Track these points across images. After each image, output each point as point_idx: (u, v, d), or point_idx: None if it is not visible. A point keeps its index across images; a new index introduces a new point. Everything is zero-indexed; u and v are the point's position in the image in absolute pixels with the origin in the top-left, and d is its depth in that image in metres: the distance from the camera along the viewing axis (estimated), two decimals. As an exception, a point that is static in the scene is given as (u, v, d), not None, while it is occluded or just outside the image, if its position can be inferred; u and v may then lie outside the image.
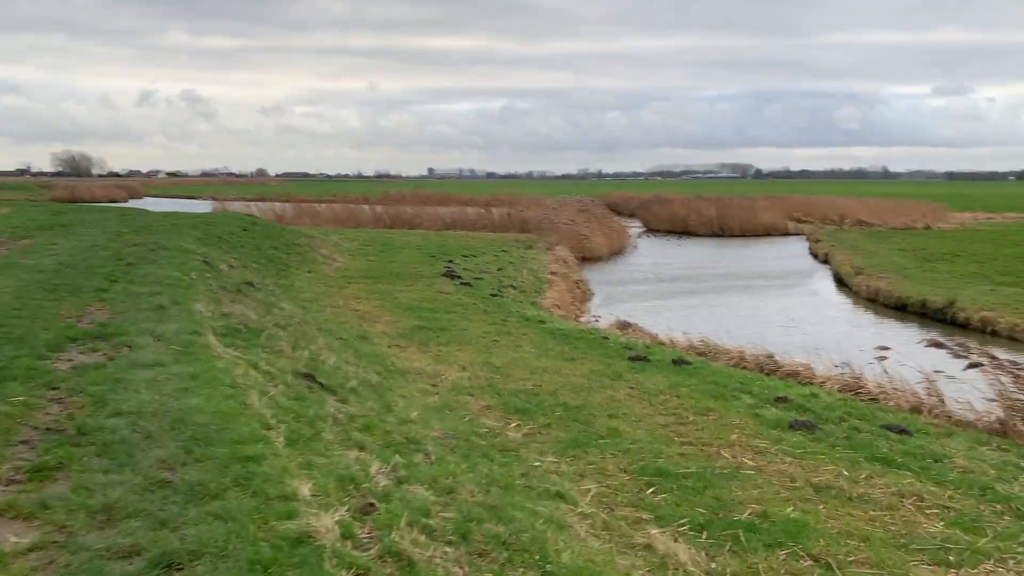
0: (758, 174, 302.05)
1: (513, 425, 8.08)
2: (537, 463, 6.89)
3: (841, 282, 29.99)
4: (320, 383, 6.89)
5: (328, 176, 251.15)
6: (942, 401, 10.58)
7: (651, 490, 6.45)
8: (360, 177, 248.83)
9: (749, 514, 6.05)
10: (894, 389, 11.11)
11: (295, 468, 4.25)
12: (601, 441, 7.66)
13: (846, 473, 7.07)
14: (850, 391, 11.39)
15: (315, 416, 5.53)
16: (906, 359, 11.82)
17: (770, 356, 13.36)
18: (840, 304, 26.59)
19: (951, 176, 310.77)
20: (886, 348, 10.85)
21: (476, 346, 12.25)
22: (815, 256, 39.57)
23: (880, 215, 55.08)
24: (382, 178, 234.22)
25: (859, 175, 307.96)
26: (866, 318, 23.86)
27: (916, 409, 10.60)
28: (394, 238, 32.50)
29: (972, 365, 10.19)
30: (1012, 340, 19.83)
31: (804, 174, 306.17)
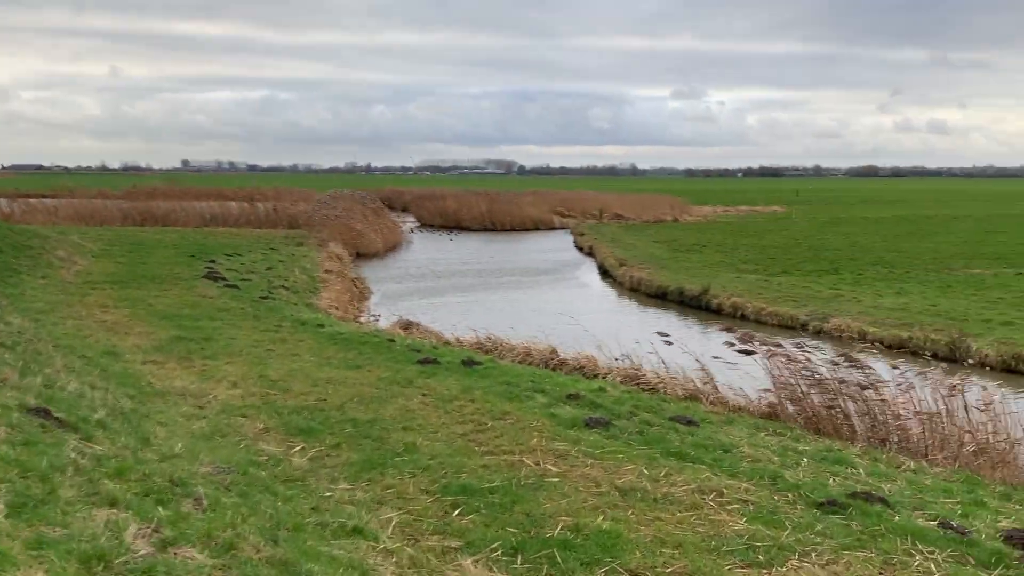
0: (521, 170, 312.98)
1: (297, 449, 7.22)
2: (328, 492, 6.14)
3: (606, 273, 31.37)
4: (57, 418, 5.68)
5: (67, 169, 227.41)
6: (716, 388, 11.02)
7: (457, 512, 5.93)
8: (104, 170, 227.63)
9: (561, 528, 5.70)
10: (672, 378, 11.45)
11: (20, 551, 3.24)
12: (398, 459, 7.03)
13: (647, 472, 6.96)
14: (632, 382, 11.62)
15: (49, 467, 4.43)
16: (683, 348, 12.19)
17: (554, 351, 13.39)
18: (608, 295, 27.74)
19: (689, 173, 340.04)
20: (665, 335, 11.14)
21: (248, 357, 11.12)
22: (580, 249, 41.24)
23: (634, 209, 58.62)
24: (129, 171, 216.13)
25: (611, 172, 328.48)
26: (632, 307, 25.00)
27: (693, 397, 10.97)
28: (145, 237, 29.61)
29: (746, 352, 10.65)
30: (759, 323, 21.54)
31: (563, 171, 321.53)
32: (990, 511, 6.57)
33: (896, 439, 9.10)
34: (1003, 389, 13.61)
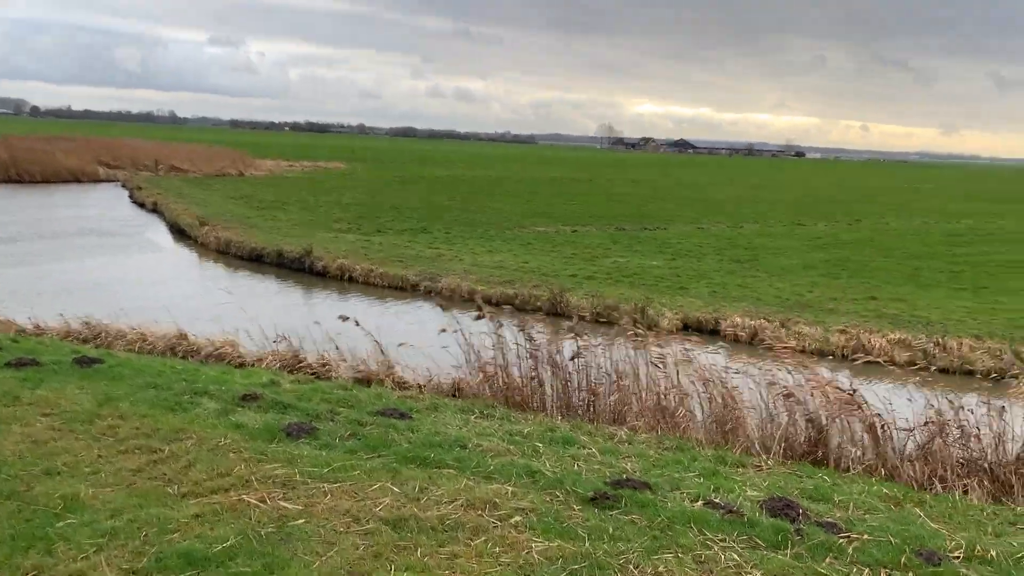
0: (35, 112, 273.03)
1: None
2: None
3: (183, 234, 28.06)
4: None
5: None
6: (391, 367, 10.07)
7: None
8: None
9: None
10: (340, 360, 10.21)
11: None
12: (63, 526, 4.86)
13: (398, 490, 5.79)
14: (293, 369, 10.12)
15: None
16: (344, 325, 10.93)
17: (183, 335, 11.15)
18: (192, 260, 24.76)
19: (235, 124, 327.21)
20: (346, 318, 9.80)
21: None
22: (142, 205, 36.52)
23: (193, 161, 54.11)
24: None
25: (148, 119, 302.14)
26: (229, 274, 22.59)
27: (367, 380, 9.90)
28: None
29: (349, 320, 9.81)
30: (368, 285, 20.98)
31: (88, 114, 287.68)
32: (728, 480, 6.69)
33: (588, 406, 9.09)
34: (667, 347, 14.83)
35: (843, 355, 16.08)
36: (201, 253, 25.32)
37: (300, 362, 10.22)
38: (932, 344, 15.91)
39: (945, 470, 7.40)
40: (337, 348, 10.14)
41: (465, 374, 9.83)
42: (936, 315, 18.05)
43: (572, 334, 9.60)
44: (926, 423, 7.69)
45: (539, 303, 18.86)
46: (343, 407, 7.93)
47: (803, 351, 16.23)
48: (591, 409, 9.11)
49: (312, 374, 9.97)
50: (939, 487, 7.18)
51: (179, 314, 13.36)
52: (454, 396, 9.55)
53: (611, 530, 5.39)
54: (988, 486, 7.19)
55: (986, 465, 7.48)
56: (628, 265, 22.83)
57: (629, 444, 7.69)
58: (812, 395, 8.26)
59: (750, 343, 16.81)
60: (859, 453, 7.86)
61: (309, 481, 5.86)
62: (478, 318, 9.65)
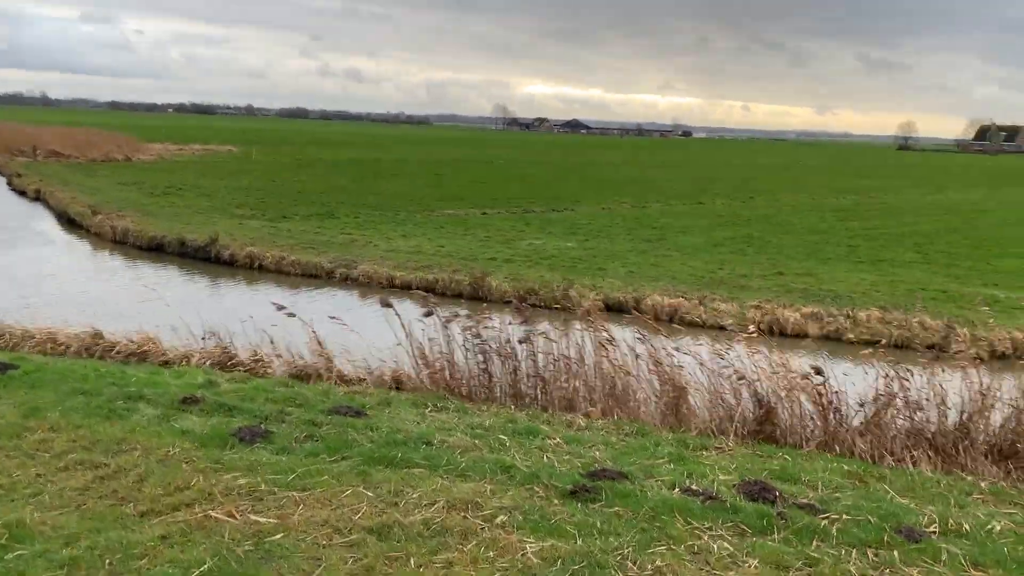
0: None
1: None
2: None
3: (74, 223, 26.37)
4: None
5: None
6: (331, 360, 9.67)
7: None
8: None
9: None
10: (276, 356, 9.74)
11: None
12: (13, 559, 4.37)
13: (372, 494, 5.51)
14: (226, 366, 9.59)
15: None
16: (272, 319, 10.40)
17: (99, 334, 10.40)
18: (85, 250, 23.29)
19: (113, 105, 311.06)
20: (283, 308, 9.30)
21: None
22: (23, 193, 34.17)
23: (75, 146, 51.12)
24: None
25: (16, 100, 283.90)
26: (129, 264, 21.36)
27: (303, 376, 9.49)
28: None
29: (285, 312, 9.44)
30: (280, 273, 20.25)
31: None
32: (698, 464, 6.69)
33: (538, 394, 8.96)
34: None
35: (759, 330, 16.56)
36: (96, 244, 23.84)
37: (231, 359, 9.68)
38: (843, 316, 16.56)
39: (893, 443, 7.64)
40: (272, 342, 9.65)
41: (409, 366, 9.53)
42: (842, 288, 18.79)
43: (522, 320, 9.41)
44: (876, 397, 7.89)
45: (460, 288, 18.63)
46: (292, 407, 7.54)
47: (721, 327, 16.75)
48: (543, 396, 8.98)
49: (246, 371, 9.46)
50: (891, 460, 7.40)
51: (86, 310, 12.50)
52: (397, 389, 9.25)
53: (599, 524, 5.28)
54: (933, 456, 7.45)
55: (929, 436, 7.76)
56: (544, 247, 22.83)
57: (589, 431, 7.60)
58: (759, 373, 8.37)
59: (670, 321, 17.08)
60: (811, 430, 8.02)
61: (276, 490, 5.50)
62: (427, 314, 9.32)
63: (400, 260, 20.37)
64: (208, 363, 9.46)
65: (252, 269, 20.60)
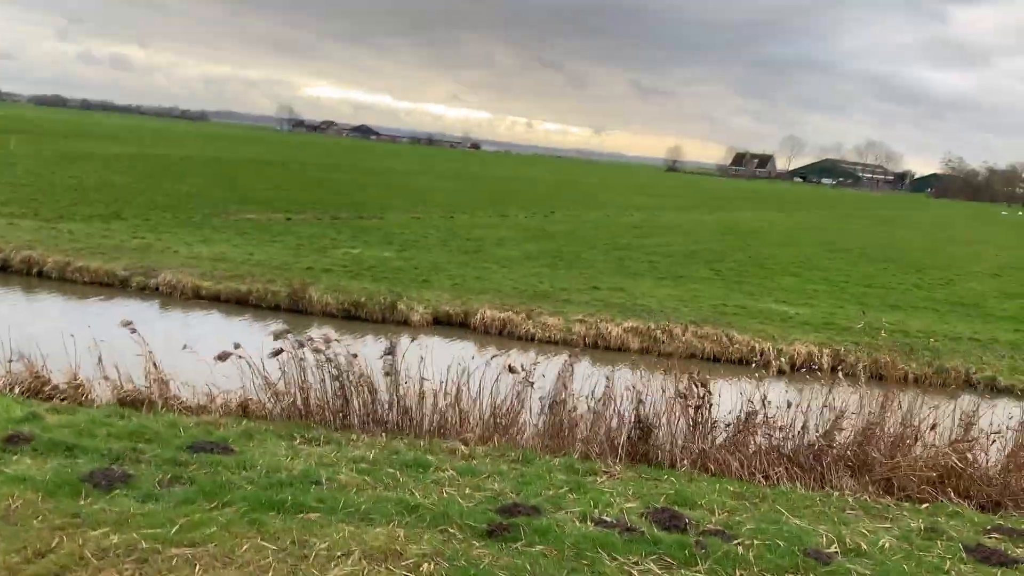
0: None
1: None
2: None
3: None
4: None
5: None
6: (167, 384, 8.62)
7: None
8: None
9: None
10: (102, 379, 8.54)
11: None
12: None
13: (273, 547, 4.87)
14: (38, 394, 8.27)
15: None
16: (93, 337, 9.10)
17: None
18: None
19: None
20: (130, 324, 8.07)
21: None
22: None
23: None
24: None
25: None
26: None
27: (132, 402, 8.41)
28: None
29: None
30: (65, 281, 18.15)
31: None
32: (596, 491, 6.57)
33: (398, 420, 8.48)
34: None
35: (585, 343, 16.97)
36: None
37: (45, 384, 8.33)
38: (660, 331, 17.34)
39: (759, 460, 7.96)
40: (100, 362, 8.40)
41: (253, 390, 8.69)
42: (652, 302, 19.71)
43: (384, 338, 8.88)
44: (746, 416, 8.19)
45: (278, 300, 17.54)
46: (141, 442, 6.58)
47: (550, 341, 16.99)
48: (406, 422, 8.51)
49: (64, 400, 8.19)
50: (760, 478, 7.70)
51: None
52: (243, 417, 8.40)
53: (529, 567, 5.00)
54: (799, 472, 7.85)
55: (789, 452, 8.18)
56: (362, 257, 22.09)
57: (476, 460, 7.27)
58: (636, 391, 8.43)
59: (499, 335, 17.09)
60: (681, 447, 8.18)
61: (160, 548, 4.71)
62: (279, 335, 8.53)
63: (205, 268, 18.85)
64: (17, 390, 8.09)
65: (29, 275, 18.23)
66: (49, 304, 16.32)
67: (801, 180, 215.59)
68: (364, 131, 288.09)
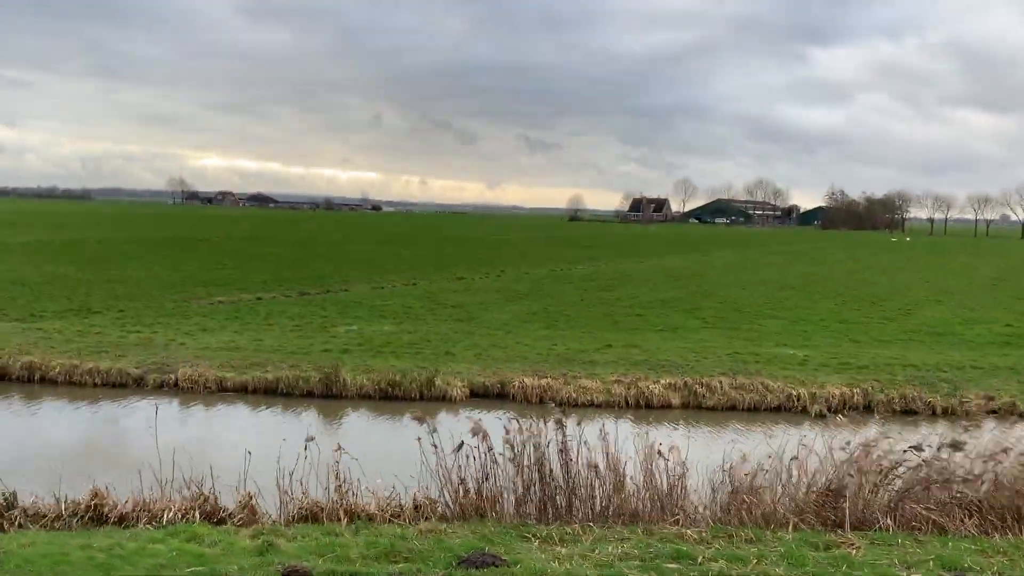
0: None
1: None
2: None
3: None
4: None
5: None
6: (353, 493, 8.22)
7: None
8: None
9: None
10: (286, 495, 8.07)
11: None
12: None
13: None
14: (210, 519, 7.75)
15: None
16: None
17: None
18: None
19: None
20: (312, 439, 7.61)
21: None
22: None
23: None
24: None
25: None
26: None
27: (310, 517, 7.98)
28: None
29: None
30: (74, 384, 17.11)
31: None
32: (870, 567, 6.60)
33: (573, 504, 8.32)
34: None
35: (627, 403, 17.04)
36: None
37: (216, 507, 7.78)
38: (699, 385, 17.58)
39: (958, 512, 8.17)
40: (255, 484, 7.91)
41: (430, 489, 8.38)
42: (673, 356, 19.97)
43: (555, 419, 8.72)
44: (924, 467, 8.39)
45: (310, 386, 16.94)
46: (403, 561, 6.23)
47: (591, 404, 16.93)
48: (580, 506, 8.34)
49: (237, 522, 7.67)
50: (971, 530, 7.90)
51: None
52: (416, 519, 8.05)
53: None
54: (993, 521, 8.08)
55: (975, 500, 8.41)
56: (368, 334, 21.62)
57: (712, 546, 7.17)
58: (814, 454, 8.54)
59: (540, 402, 16.94)
60: (876, 507, 8.30)
61: None
62: (475, 432, 8.27)
63: (222, 359, 18.07)
64: (197, 517, 7.52)
65: (30, 383, 17.03)
66: (88, 413, 15.29)
67: (696, 221, 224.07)
68: (261, 199, 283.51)
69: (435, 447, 8.46)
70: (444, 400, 16.88)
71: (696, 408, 16.99)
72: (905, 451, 8.75)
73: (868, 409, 17.17)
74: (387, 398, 16.85)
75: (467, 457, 8.54)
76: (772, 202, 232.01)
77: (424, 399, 16.92)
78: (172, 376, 17.00)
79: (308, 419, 15.57)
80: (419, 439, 8.56)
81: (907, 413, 17.13)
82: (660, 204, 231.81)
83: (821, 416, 16.56)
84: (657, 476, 8.63)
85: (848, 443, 8.72)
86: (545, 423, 8.63)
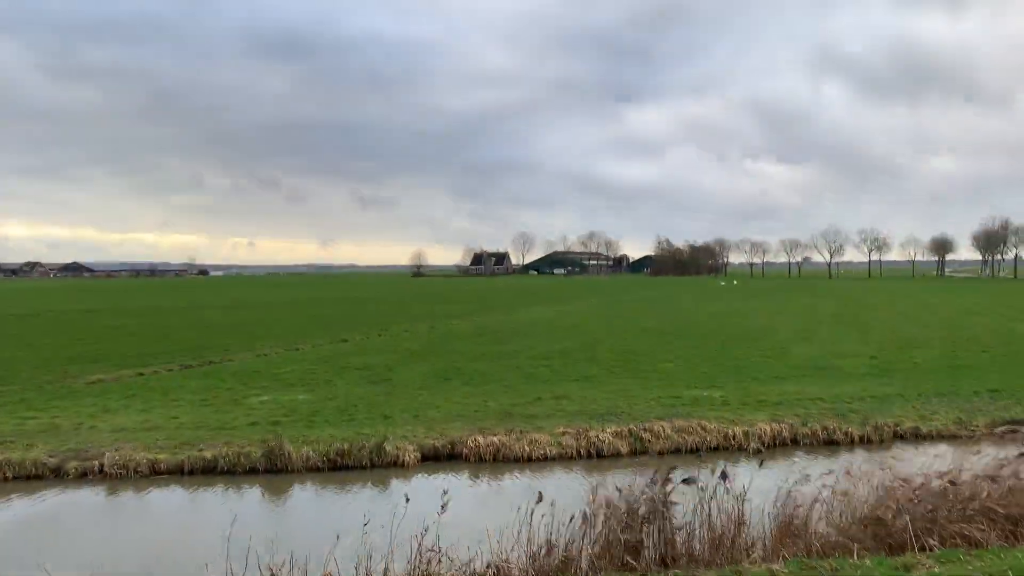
0: None
1: None
2: None
3: None
4: None
5: None
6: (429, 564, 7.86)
7: None
8: None
9: None
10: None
11: None
12: None
13: None
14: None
15: None
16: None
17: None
18: None
19: None
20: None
21: None
22: None
23: None
24: None
25: None
26: None
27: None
28: None
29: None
30: (-26, 484, 15.17)
31: None
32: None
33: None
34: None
35: (579, 454, 17.21)
36: None
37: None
38: (643, 431, 18.04)
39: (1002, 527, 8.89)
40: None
41: (500, 557, 8.19)
42: (604, 404, 20.39)
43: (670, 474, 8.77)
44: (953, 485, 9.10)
45: (252, 462, 15.95)
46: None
47: (545, 458, 16.97)
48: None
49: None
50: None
51: None
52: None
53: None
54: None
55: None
56: (288, 403, 20.64)
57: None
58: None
59: (493, 460, 16.81)
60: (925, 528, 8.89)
61: None
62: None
63: (147, 440, 16.71)
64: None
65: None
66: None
67: (536, 272, 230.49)
68: (75, 269, 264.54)
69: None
70: (396, 466, 16.38)
71: (643, 454, 17.37)
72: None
73: (795, 442, 18.31)
74: (336, 468, 16.15)
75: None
76: (605, 252, 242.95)
77: (375, 466, 16.36)
78: (95, 463, 15.50)
79: (252, 497, 14.65)
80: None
81: (829, 444, 18.35)
82: (501, 257, 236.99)
83: (757, 451, 17.38)
84: (714, 516, 8.85)
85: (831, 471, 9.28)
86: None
